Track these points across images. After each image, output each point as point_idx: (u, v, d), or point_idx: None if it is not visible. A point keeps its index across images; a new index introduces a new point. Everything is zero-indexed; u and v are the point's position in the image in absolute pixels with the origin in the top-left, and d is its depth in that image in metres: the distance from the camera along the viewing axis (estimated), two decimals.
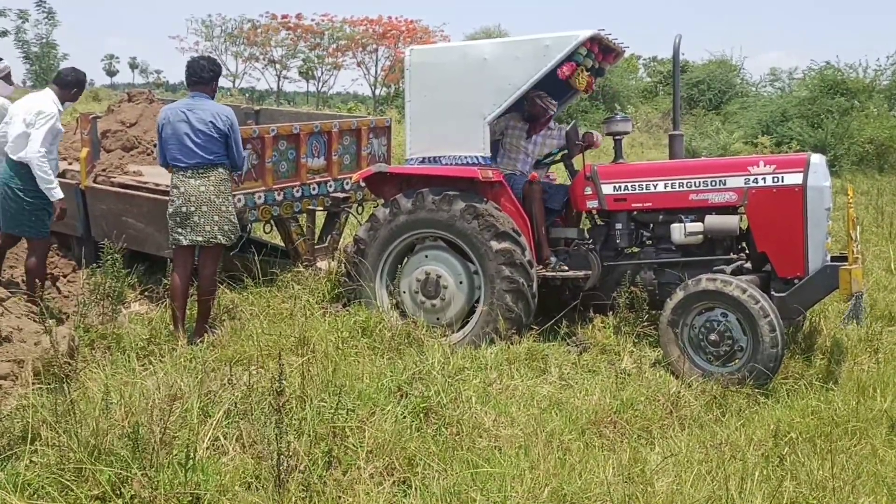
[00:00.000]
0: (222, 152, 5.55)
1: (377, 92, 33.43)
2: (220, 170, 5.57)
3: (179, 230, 5.56)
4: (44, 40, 29.28)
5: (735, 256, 5.59)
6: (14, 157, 5.83)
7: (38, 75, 29.23)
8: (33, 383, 4.13)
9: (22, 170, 5.82)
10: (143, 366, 4.72)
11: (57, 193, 5.86)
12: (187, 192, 5.49)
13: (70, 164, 7.52)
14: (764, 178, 5.38)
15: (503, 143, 6.52)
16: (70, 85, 6.10)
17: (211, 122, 5.47)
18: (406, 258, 6.14)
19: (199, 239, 5.53)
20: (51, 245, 6.51)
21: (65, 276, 7.00)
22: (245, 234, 7.02)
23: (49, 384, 4.04)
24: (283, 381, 3.39)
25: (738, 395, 4.74)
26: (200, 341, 5.35)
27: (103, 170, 7.07)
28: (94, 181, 6.94)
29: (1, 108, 6.19)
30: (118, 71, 75.33)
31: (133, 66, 73.96)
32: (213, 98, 5.74)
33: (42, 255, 6.16)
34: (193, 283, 5.82)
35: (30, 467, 3.31)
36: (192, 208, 5.49)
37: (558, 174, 7.18)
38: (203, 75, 5.67)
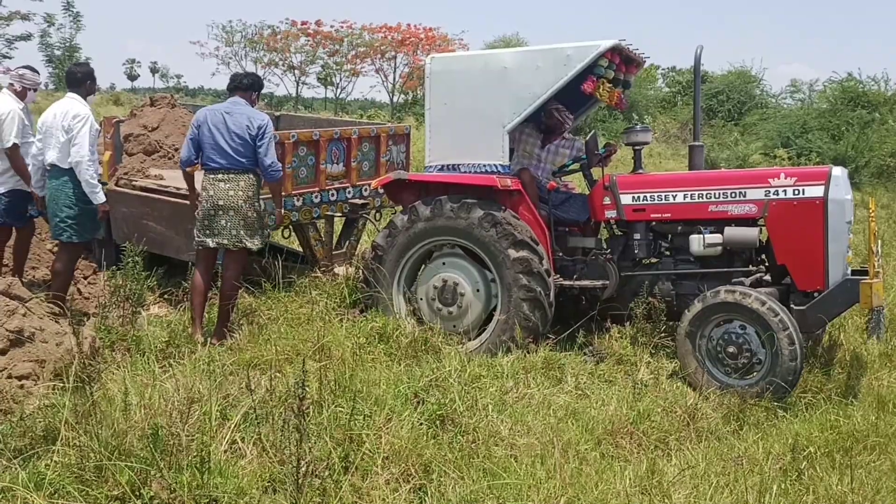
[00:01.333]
0: (255, 157, 5.63)
1: (395, 99, 33.57)
2: (251, 176, 5.65)
3: (206, 232, 5.65)
4: (67, 43, 29.65)
5: (754, 268, 5.56)
6: (64, 165, 5.97)
7: (60, 78, 29.58)
8: (55, 384, 4.17)
9: (75, 175, 5.98)
10: (162, 368, 4.75)
11: (101, 197, 6.02)
12: (216, 196, 5.58)
13: None
14: (785, 191, 5.36)
15: (516, 150, 6.53)
16: (82, 81, 6.22)
17: (246, 125, 5.57)
18: (423, 265, 6.15)
19: (225, 242, 5.62)
20: (82, 251, 6.59)
21: (86, 278, 7.07)
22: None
23: (70, 384, 4.08)
24: (306, 387, 3.41)
25: (756, 408, 4.71)
26: (219, 344, 5.39)
27: (125, 173, 7.14)
28: (116, 184, 7.00)
29: (18, 117, 6.24)
30: (139, 75, 75.98)
31: (154, 70, 74.59)
32: (252, 107, 5.85)
33: (73, 260, 6.28)
34: (213, 286, 5.87)
35: (51, 467, 3.34)
36: (220, 212, 5.58)
37: (577, 184, 7.18)
38: (243, 81, 5.86)
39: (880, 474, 3.83)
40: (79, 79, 6.21)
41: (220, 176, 5.61)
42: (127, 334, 5.28)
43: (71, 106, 6.01)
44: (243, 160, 5.60)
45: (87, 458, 3.32)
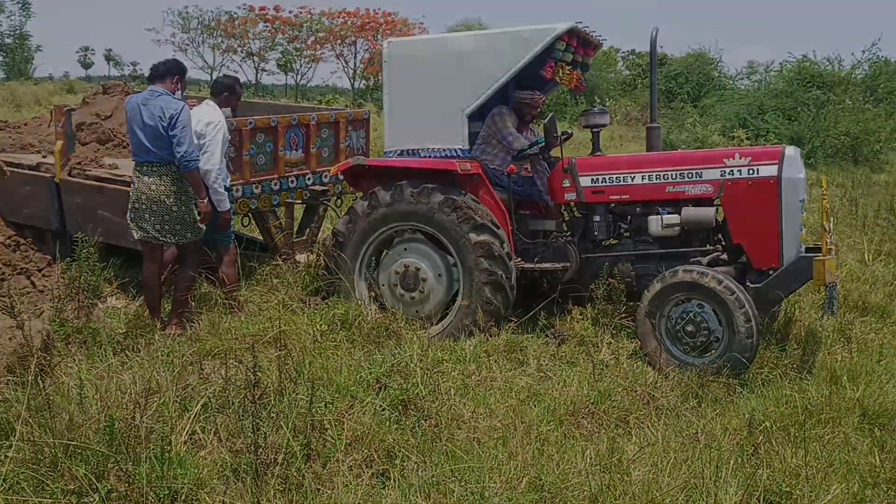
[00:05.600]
0: (172, 149, 5.45)
1: (356, 84, 33.35)
2: (175, 168, 5.49)
3: (135, 224, 5.57)
4: (17, 31, 28.90)
5: (711, 248, 5.63)
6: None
7: (10, 67, 28.84)
8: (7, 379, 4.09)
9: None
10: (119, 360, 4.69)
11: (225, 205, 5.77)
12: (140, 189, 5.50)
13: (45, 157, 7.43)
14: (739, 171, 5.43)
15: (488, 137, 6.42)
16: (220, 91, 6.05)
17: (159, 116, 5.39)
18: (385, 251, 6.13)
19: (148, 236, 5.54)
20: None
21: (40, 271, 6.91)
22: None
23: (24, 379, 4.00)
24: (258, 374, 3.38)
25: (714, 385, 4.78)
26: (177, 334, 5.31)
27: (78, 163, 6.98)
28: (69, 174, 6.85)
29: None
30: (93, 63, 74.49)
31: (109, 58, 73.11)
32: (173, 94, 5.62)
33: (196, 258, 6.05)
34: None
35: (4, 463, 3.28)
36: (144, 205, 5.48)
37: None
38: (158, 69, 5.63)
39: (833, 447, 3.93)
40: (213, 90, 6.07)
41: (144, 169, 5.49)
42: (83, 327, 5.19)
43: (203, 112, 5.80)
44: (163, 153, 5.43)
45: (42, 452, 3.26)
